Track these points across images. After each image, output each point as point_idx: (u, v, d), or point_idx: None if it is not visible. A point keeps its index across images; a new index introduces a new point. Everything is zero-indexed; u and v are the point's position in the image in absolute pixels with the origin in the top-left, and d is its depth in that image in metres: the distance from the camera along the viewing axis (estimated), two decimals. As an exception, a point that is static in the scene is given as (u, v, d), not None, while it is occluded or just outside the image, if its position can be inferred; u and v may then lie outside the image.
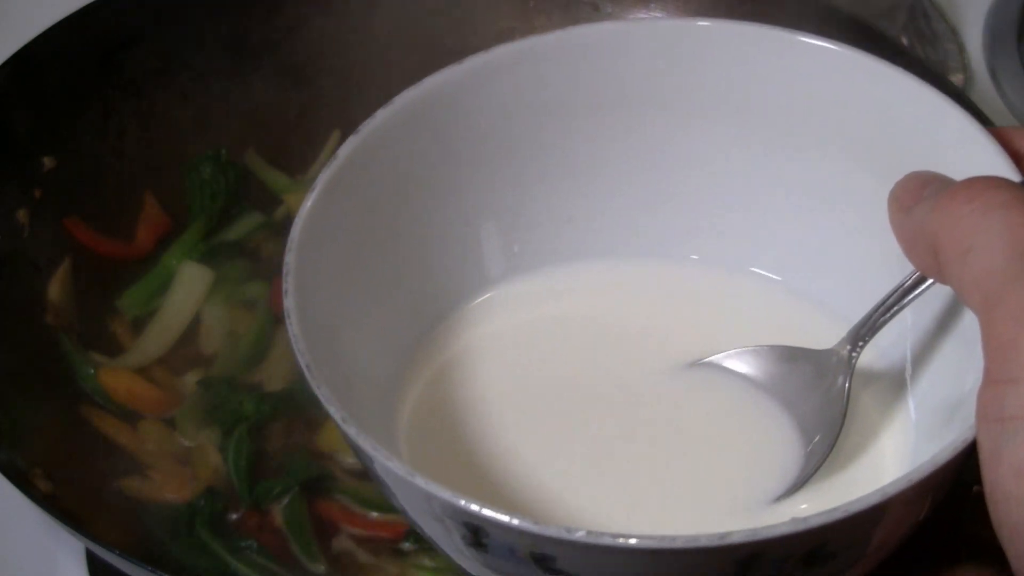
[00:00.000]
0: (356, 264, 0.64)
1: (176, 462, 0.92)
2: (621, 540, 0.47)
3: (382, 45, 1.14)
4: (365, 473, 0.91)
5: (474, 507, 0.49)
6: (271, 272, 1.03)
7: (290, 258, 0.59)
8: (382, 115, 0.65)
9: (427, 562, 0.86)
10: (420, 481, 0.50)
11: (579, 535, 0.47)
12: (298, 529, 0.88)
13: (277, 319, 1.00)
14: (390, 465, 0.51)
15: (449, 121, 0.67)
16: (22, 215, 0.97)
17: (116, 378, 0.95)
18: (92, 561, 0.94)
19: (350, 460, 0.92)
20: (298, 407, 0.94)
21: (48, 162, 1.00)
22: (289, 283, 0.58)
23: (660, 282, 0.71)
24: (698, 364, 0.65)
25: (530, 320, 0.70)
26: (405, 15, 1.14)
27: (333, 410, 0.55)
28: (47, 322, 0.96)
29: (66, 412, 0.93)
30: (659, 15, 1.13)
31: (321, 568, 0.87)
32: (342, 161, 0.64)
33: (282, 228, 1.07)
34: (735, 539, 0.47)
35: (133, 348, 0.99)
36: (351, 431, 0.54)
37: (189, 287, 1.01)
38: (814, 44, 0.64)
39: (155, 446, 0.93)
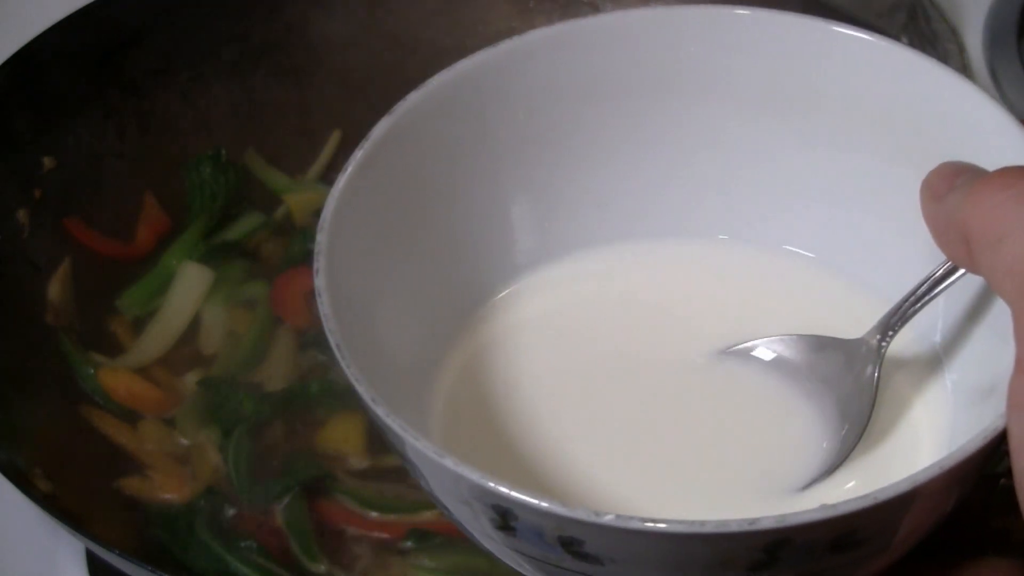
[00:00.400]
0: (387, 245, 0.64)
1: (176, 462, 0.92)
2: (650, 524, 0.47)
3: (382, 45, 1.14)
4: (367, 473, 0.91)
5: (503, 489, 0.49)
6: (271, 272, 1.04)
7: (322, 237, 0.59)
8: (414, 97, 0.65)
9: (427, 562, 0.86)
10: (449, 463, 0.50)
11: (607, 519, 0.47)
12: (298, 529, 0.88)
13: (277, 319, 1.00)
14: (419, 446, 0.51)
15: (483, 104, 0.66)
16: (22, 215, 0.97)
17: (116, 378, 0.95)
18: (92, 561, 0.94)
19: (352, 460, 0.92)
20: (299, 407, 0.95)
21: (48, 162, 1.00)
22: (320, 262, 0.58)
23: (694, 263, 0.71)
24: (729, 350, 0.65)
25: (562, 304, 0.69)
26: (405, 15, 1.14)
27: (362, 390, 0.54)
28: (47, 322, 0.97)
29: (66, 412, 0.93)
30: (659, 15, 1.13)
31: (321, 568, 0.87)
32: (375, 141, 0.63)
33: (282, 228, 1.07)
34: (764, 525, 0.47)
35: (133, 348, 0.99)
36: (380, 411, 0.53)
37: (189, 287, 1.01)
38: (850, 34, 0.64)
39: (155, 446, 0.93)
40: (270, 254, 1.05)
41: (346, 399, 0.94)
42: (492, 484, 0.49)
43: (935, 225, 0.54)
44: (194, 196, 1.07)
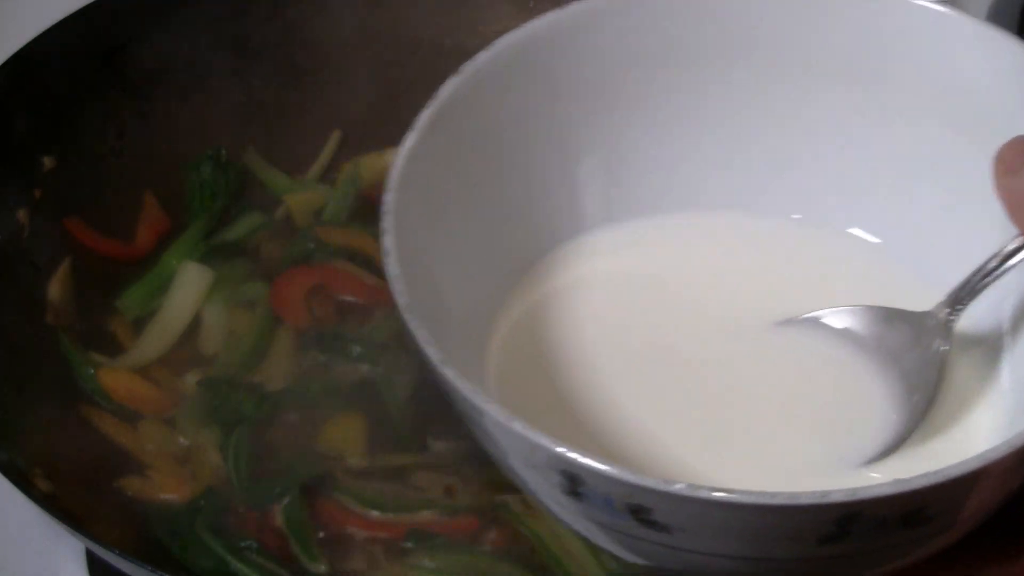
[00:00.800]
0: (451, 203, 0.64)
1: (176, 462, 0.92)
2: (720, 495, 0.47)
3: (382, 46, 1.14)
4: (366, 473, 0.91)
5: (574, 455, 0.48)
6: (271, 272, 1.03)
7: (389, 197, 0.59)
8: (483, 57, 0.65)
9: (427, 562, 0.86)
10: (519, 427, 0.50)
11: (678, 488, 0.47)
12: (298, 529, 0.88)
13: (277, 319, 1.00)
14: (489, 410, 0.51)
15: (554, 65, 0.66)
16: (22, 215, 0.97)
17: (116, 378, 0.95)
18: (92, 561, 0.94)
19: (351, 460, 0.91)
20: (299, 407, 0.94)
21: (48, 162, 1.00)
22: (388, 222, 0.58)
23: (760, 238, 0.70)
24: (795, 320, 0.64)
25: (625, 267, 0.69)
26: (405, 16, 1.14)
27: (432, 352, 0.53)
28: (47, 322, 0.96)
29: (66, 412, 0.93)
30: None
31: (322, 568, 0.87)
32: (443, 101, 0.63)
33: (282, 228, 1.07)
34: (836, 498, 0.46)
35: (133, 348, 0.98)
36: (449, 374, 0.52)
37: (189, 287, 1.01)
38: (926, 7, 0.64)
39: (155, 446, 0.93)
40: (270, 254, 1.05)
41: (348, 397, 0.94)
42: (563, 450, 0.49)
43: (1008, 199, 0.54)
44: (194, 196, 1.07)
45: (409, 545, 0.87)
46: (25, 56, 0.99)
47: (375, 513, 0.88)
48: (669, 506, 0.48)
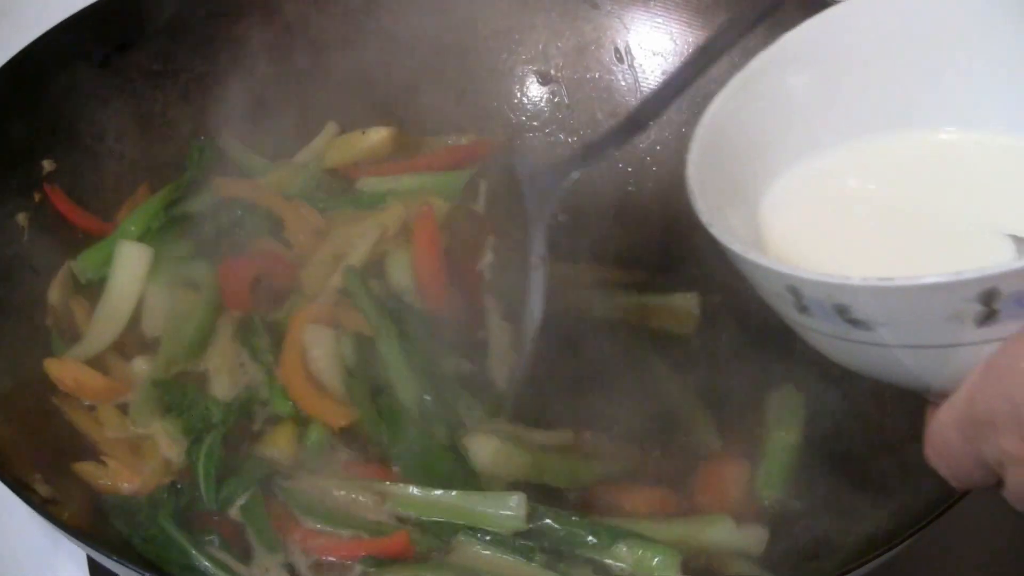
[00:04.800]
0: None
1: (130, 450, 0.92)
2: (883, 282, 0.57)
3: (381, 45, 1.14)
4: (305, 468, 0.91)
5: (785, 269, 0.62)
6: (213, 251, 1.03)
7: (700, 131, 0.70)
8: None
9: None
10: (753, 256, 0.63)
11: (857, 281, 0.58)
12: (256, 523, 0.88)
13: (223, 305, 0.99)
14: (749, 258, 0.63)
15: None
16: (22, 219, 0.98)
17: (62, 368, 0.94)
18: (93, 561, 0.95)
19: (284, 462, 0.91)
20: (248, 412, 0.94)
21: (48, 165, 1.00)
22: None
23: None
24: None
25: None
26: (404, 15, 1.14)
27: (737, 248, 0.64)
28: (47, 325, 0.97)
29: (40, 400, 0.93)
30: (659, 14, 1.13)
31: (280, 557, 0.87)
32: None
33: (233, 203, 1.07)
34: (967, 275, 0.55)
35: (85, 336, 0.97)
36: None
37: (129, 267, 0.99)
38: None
39: (112, 433, 0.92)
40: (215, 231, 1.05)
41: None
42: (780, 267, 0.62)
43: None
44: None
45: (361, 570, 0.87)
46: (24, 59, 0.99)
47: (317, 524, 0.88)
48: (858, 299, 0.59)
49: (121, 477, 0.89)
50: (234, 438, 0.92)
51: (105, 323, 0.98)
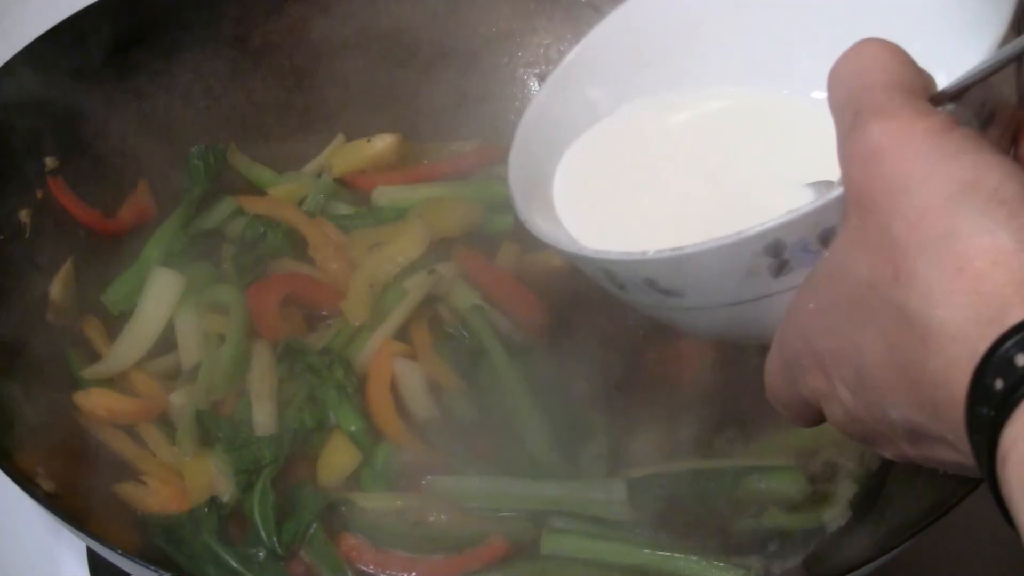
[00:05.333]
0: None
1: (172, 472, 0.91)
2: (678, 251, 0.60)
3: (383, 46, 1.14)
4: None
5: (590, 253, 0.65)
6: (240, 273, 1.02)
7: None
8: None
9: None
10: (577, 248, 0.67)
11: (650, 254, 0.61)
12: (325, 558, 0.87)
13: (253, 331, 0.98)
14: (560, 247, 0.67)
15: None
16: (24, 215, 0.98)
17: (91, 400, 0.93)
18: (93, 558, 0.95)
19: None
20: (306, 443, 0.93)
21: (50, 163, 1.00)
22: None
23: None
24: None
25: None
26: (406, 17, 1.14)
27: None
28: (48, 320, 0.97)
29: (66, 414, 0.93)
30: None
31: None
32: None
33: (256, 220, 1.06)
34: (750, 232, 0.58)
35: (109, 354, 0.97)
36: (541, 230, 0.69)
37: (160, 293, 0.99)
38: None
39: (153, 454, 0.92)
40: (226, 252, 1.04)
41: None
42: (588, 252, 0.65)
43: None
44: (187, 190, 1.07)
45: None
46: (27, 57, 0.99)
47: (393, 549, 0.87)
48: (659, 270, 0.62)
49: (163, 496, 0.89)
50: (285, 473, 0.91)
51: (130, 345, 0.97)
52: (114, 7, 1.04)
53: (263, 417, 0.93)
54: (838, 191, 0.56)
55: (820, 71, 0.59)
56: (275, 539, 0.87)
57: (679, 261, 0.61)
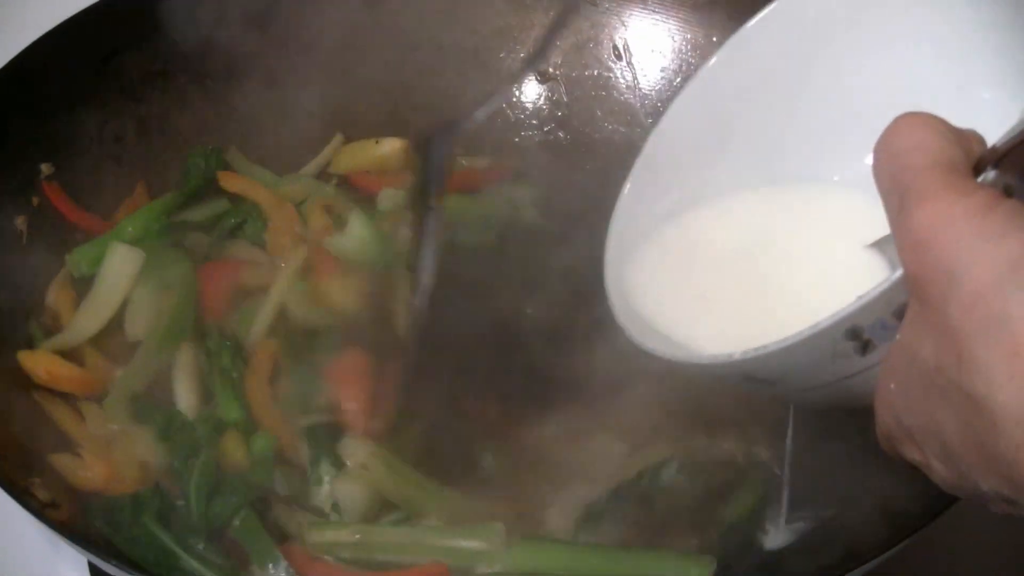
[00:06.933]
0: None
1: (106, 445, 0.91)
2: (759, 350, 0.62)
3: (382, 45, 1.14)
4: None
5: (684, 359, 0.69)
6: (198, 257, 1.03)
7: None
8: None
9: None
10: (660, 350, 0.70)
11: (737, 357, 0.64)
12: (256, 544, 0.87)
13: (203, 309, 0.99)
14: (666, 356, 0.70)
15: None
16: (20, 222, 0.97)
17: (35, 360, 0.93)
18: (93, 564, 0.95)
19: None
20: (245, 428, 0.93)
21: (46, 168, 1.00)
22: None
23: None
24: None
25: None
26: (405, 15, 1.14)
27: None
28: (44, 323, 0.97)
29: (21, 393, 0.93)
30: (657, 11, 1.13)
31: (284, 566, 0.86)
32: None
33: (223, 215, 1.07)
34: (823, 324, 0.60)
35: (66, 328, 0.97)
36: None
37: (118, 268, 0.99)
38: None
39: (93, 428, 0.92)
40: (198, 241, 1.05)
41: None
42: (686, 358, 0.69)
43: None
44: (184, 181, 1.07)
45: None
46: (23, 62, 0.99)
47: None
48: (746, 369, 0.65)
49: (96, 471, 0.89)
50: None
51: (87, 318, 0.97)
52: (109, 11, 1.04)
53: (182, 394, 0.94)
54: (900, 272, 0.57)
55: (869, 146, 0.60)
56: (203, 511, 0.87)
57: (766, 358, 0.63)
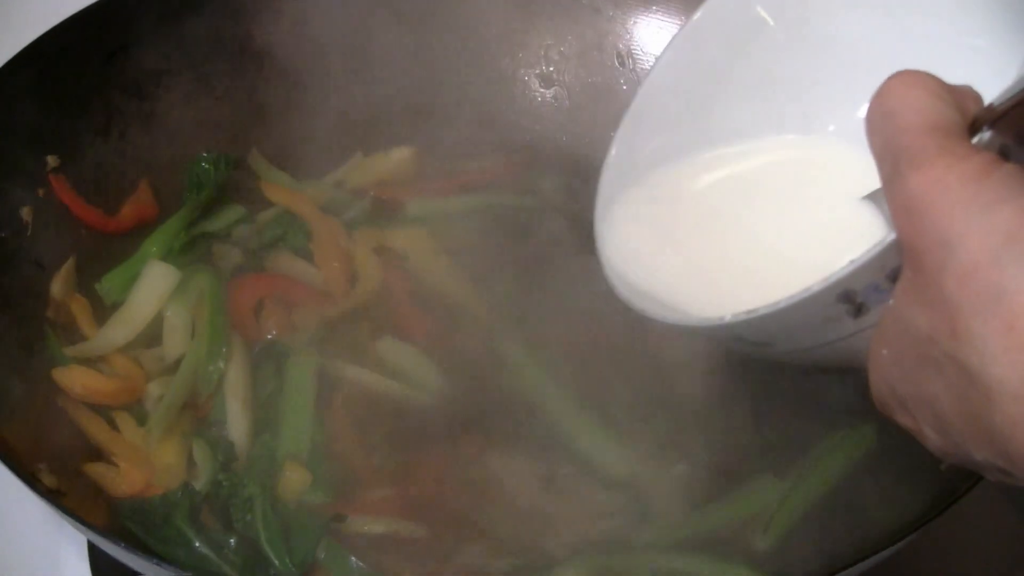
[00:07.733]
0: None
1: (143, 456, 0.91)
2: (748, 314, 0.62)
3: (384, 47, 1.14)
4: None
5: (683, 322, 0.69)
6: (227, 269, 1.03)
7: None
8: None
9: None
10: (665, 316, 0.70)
11: (729, 318, 0.63)
12: (340, 564, 0.86)
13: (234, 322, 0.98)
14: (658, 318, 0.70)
15: None
16: (26, 213, 0.97)
17: (70, 376, 0.93)
18: (93, 552, 0.95)
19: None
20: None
21: (52, 161, 1.00)
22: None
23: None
24: None
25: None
26: (407, 16, 1.14)
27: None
28: (48, 317, 0.96)
29: (48, 400, 0.92)
30: (661, 18, 1.14)
31: None
32: None
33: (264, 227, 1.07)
34: (817, 288, 0.59)
35: (94, 337, 0.97)
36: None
37: (153, 285, 0.99)
38: None
39: (131, 439, 0.91)
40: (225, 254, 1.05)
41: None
42: (675, 320, 0.69)
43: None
44: (190, 191, 1.07)
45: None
46: (29, 56, 0.99)
47: None
48: (737, 331, 0.64)
49: (136, 480, 0.89)
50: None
51: (118, 329, 0.97)
52: (115, 7, 1.04)
53: (232, 418, 0.93)
54: (892, 236, 0.55)
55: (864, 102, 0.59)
56: (287, 560, 0.86)
57: (758, 321, 0.62)
